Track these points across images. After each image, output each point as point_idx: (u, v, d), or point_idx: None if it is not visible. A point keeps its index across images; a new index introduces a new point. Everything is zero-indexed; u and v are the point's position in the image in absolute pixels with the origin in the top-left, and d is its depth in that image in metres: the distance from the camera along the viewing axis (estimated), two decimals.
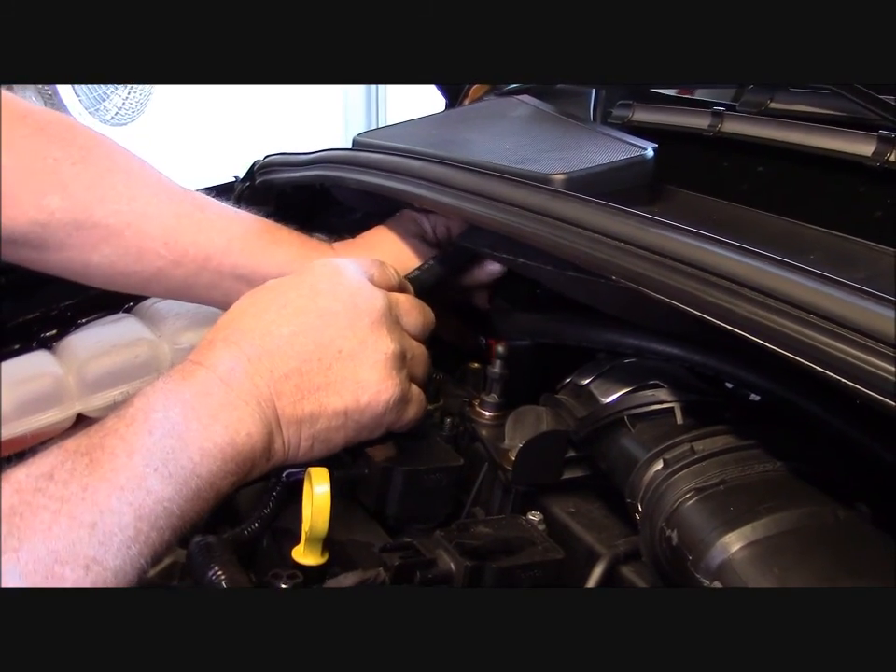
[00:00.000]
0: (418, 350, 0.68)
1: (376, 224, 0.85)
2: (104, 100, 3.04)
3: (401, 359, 0.65)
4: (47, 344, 0.95)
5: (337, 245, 0.82)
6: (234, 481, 0.57)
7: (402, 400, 0.65)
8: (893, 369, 0.40)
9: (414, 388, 0.67)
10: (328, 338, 0.62)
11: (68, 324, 0.97)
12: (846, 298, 0.44)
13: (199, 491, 0.54)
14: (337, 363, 0.62)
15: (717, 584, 0.50)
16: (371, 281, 0.67)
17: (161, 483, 0.52)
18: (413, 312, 0.69)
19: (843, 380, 0.42)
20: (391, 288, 0.70)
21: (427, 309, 0.72)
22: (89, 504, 0.49)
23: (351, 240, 0.83)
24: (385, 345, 0.63)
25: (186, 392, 0.56)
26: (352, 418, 0.62)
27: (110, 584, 0.48)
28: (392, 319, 0.65)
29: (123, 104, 3.11)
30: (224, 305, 0.79)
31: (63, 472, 0.49)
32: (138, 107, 3.17)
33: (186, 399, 0.56)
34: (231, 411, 0.57)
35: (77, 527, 0.48)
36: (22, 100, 0.73)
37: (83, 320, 0.98)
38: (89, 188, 0.73)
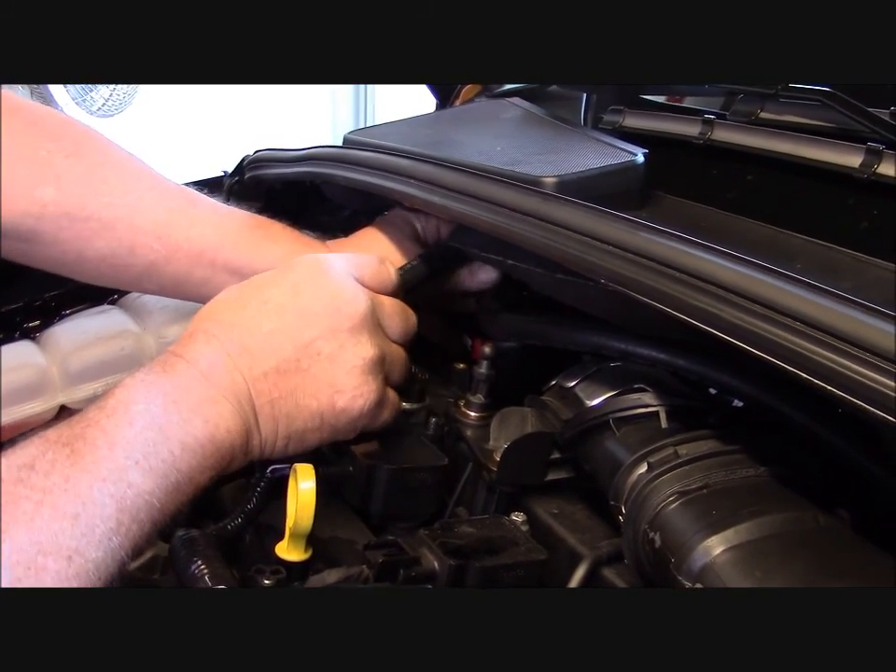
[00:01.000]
0: (397, 354, 0.68)
1: (366, 222, 0.84)
2: (91, 91, 3.01)
3: (380, 364, 0.65)
4: (30, 335, 0.94)
5: (331, 243, 0.81)
6: (212, 475, 0.57)
7: (378, 405, 0.65)
8: (877, 377, 0.41)
9: (390, 392, 0.67)
10: (307, 339, 0.61)
11: (52, 315, 0.96)
12: (831, 306, 0.45)
13: (178, 485, 0.54)
14: (315, 365, 0.61)
15: (698, 587, 0.50)
16: (362, 280, 0.67)
17: (141, 475, 0.51)
18: (396, 316, 0.68)
19: (826, 386, 0.42)
20: (384, 289, 0.69)
21: (410, 313, 0.71)
22: (71, 495, 0.48)
23: (344, 238, 0.83)
24: (364, 350, 0.63)
25: (167, 385, 0.56)
26: (327, 421, 0.62)
27: (92, 576, 0.48)
28: (373, 323, 0.65)
29: (110, 95, 3.08)
30: None
31: (44, 463, 0.49)
32: (125, 99, 3.14)
33: (167, 392, 0.56)
34: (211, 405, 0.57)
35: (59, 518, 0.47)
36: (14, 94, 0.72)
37: (67, 311, 0.97)
38: (81, 180, 0.72)
